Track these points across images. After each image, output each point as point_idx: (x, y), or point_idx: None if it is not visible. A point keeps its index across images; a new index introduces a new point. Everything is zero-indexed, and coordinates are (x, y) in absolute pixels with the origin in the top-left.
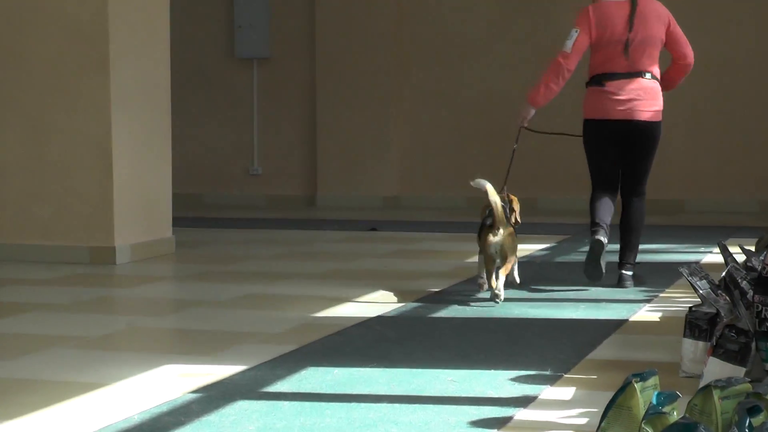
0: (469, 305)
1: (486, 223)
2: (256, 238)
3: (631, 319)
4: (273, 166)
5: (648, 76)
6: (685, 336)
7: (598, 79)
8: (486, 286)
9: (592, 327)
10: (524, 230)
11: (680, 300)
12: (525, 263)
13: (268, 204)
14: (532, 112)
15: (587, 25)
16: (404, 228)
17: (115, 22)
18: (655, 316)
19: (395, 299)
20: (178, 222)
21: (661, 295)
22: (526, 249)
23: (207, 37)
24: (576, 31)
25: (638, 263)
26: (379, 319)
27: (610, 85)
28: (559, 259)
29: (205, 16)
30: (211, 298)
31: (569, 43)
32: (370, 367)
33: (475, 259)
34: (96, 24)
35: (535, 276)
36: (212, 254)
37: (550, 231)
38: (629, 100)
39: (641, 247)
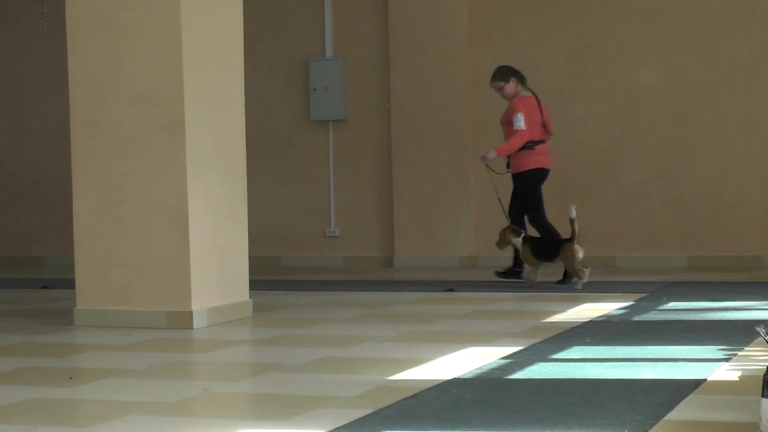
0: (547, 367)
1: None
2: (333, 301)
3: (709, 379)
4: (350, 228)
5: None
6: (763, 396)
7: (530, 144)
8: None
9: (669, 387)
10: (602, 288)
11: (759, 359)
12: (602, 322)
13: (345, 265)
14: (494, 158)
15: (525, 110)
16: (481, 288)
17: (189, 86)
18: (733, 376)
19: (472, 361)
20: (255, 285)
21: (740, 353)
22: (603, 308)
23: (282, 100)
24: (521, 114)
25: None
26: (456, 382)
27: (538, 148)
28: (637, 317)
29: (280, 79)
30: (288, 361)
31: (522, 124)
32: (446, 431)
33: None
34: (171, 88)
35: (613, 335)
36: (289, 317)
37: (628, 289)
38: (547, 155)
39: (720, 304)
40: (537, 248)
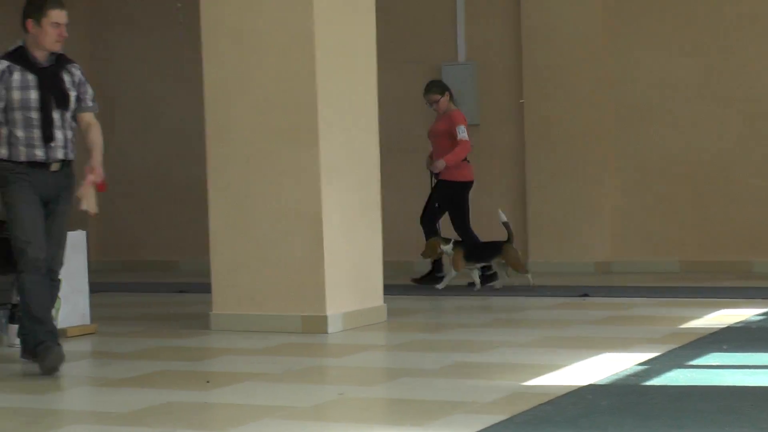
0: (683, 373)
1: None
2: (467, 306)
3: None
4: (483, 233)
5: None
6: None
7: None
8: None
9: None
10: (739, 294)
11: None
12: (740, 328)
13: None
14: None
15: (465, 122)
16: (616, 294)
17: (323, 93)
18: None
19: (607, 367)
20: (388, 290)
21: None
22: (741, 314)
23: (415, 105)
24: (464, 126)
25: None
26: (591, 388)
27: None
28: None
29: (413, 84)
30: (423, 366)
31: (466, 135)
32: None
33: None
34: (304, 95)
35: (751, 341)
36: (423, 322)
37: (766, 295)
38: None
39: None
40: (471, 252)
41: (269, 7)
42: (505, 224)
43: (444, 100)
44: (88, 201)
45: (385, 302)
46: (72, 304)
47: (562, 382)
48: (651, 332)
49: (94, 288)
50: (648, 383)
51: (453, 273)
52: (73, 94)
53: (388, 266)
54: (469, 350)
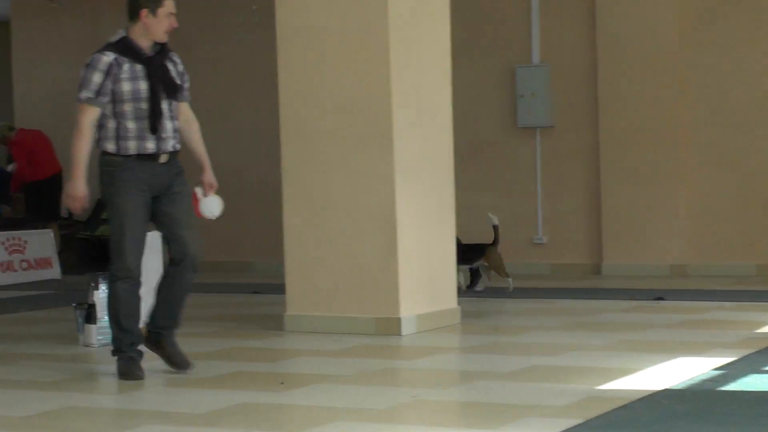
0: (760, 379)
1: None
2: (540, 308)
3: None
4: (557, 235)
5: None
6: None
7: None
8: None
9: None
10: None
11: None
12: None
13: (551, 273)
14: None
15: None
16: (692, 297)
17: (397, 94)
18: None
19: (683, 372)
20: (462, 292)
21: None
22: None
23: (489, 107)
24: None
25: None
26: (667, 393)
27: None
28: None
29: (487, 86)
30: (496, 369)
31: None
32: None
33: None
34: (378, 96)
35: None
36: (496, 325)
37: None
38: None
39: None
40: (456, 254)
41: (344, 8)
42: (495, 228)
43: None
44: (210, 207)
45: (458, 304)
46: (148, 305)
47: (637, 387)
48: (727, 336)
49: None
50: (724, 388)
51: None
52: (179, 84)
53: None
54: (543, 353)
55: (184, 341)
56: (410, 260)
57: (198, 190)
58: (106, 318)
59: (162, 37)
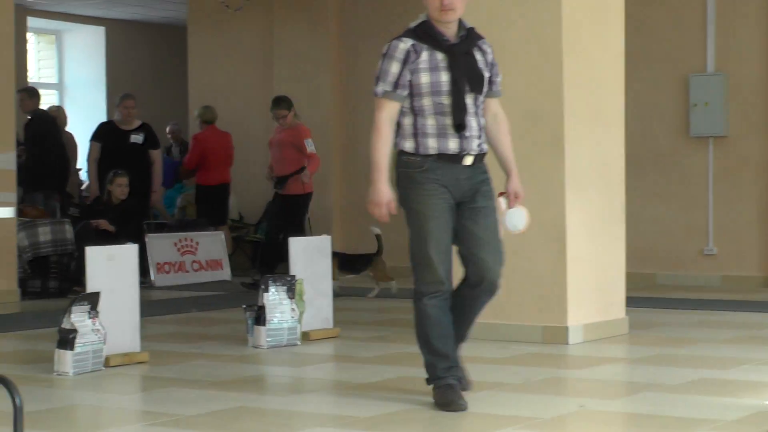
0: None
1: None
2: (710, 320)
3: None
4: (729, 246)
5: None
6: None
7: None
8: None
9: None
10: None
11: None
12: None
13: (722, 285)
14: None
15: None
16: None
17: (570, 102)
18: None
19: None
20: (630, 302)
21: None
22: None
23: (662, 116)
24: (311, 140)
25: None
26: None
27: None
28: None
29: (660, 95)
30: (664, 381)
31: (314, 147)
32: None
33: None
34: (551, 104)
35: None
36: (665, 336)
37: None
38: None
39: None
40: (346, 262)
41: (519, 19)
42: (378, 237)
43: (291, 114)
44: (513, 220)
45: (627, 314)
46: (316, 308)
47: None
48: None
49: (338, 292)
50: None
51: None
52: (486, 76)
53: (630, 278)
54: (712, 366)
55: (352, 345)
56: (579, 269)
57: (501, 200)
58: (276, 320)
59: (437, 15)
